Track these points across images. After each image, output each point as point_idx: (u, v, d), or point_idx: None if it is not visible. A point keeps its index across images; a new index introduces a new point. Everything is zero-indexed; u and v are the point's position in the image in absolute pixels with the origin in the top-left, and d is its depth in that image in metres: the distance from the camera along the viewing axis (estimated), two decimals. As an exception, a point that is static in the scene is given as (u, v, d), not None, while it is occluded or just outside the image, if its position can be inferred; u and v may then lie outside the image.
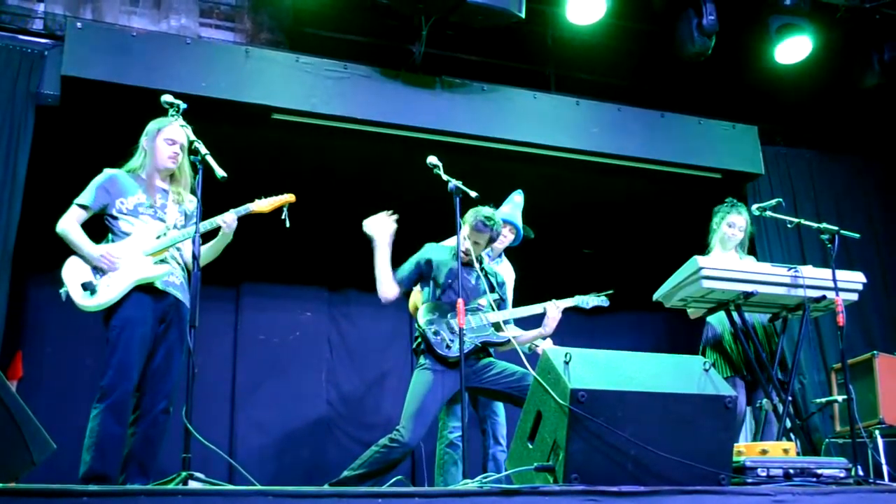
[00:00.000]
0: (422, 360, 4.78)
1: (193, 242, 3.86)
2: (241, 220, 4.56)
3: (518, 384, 4.68)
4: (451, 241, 5.49)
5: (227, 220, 4.45)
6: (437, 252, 5.03)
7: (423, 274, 4.96)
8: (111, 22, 6.10)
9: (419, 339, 4.82)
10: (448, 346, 4.71)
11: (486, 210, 4.97)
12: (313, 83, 6.20)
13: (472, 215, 4.95)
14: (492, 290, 5.02)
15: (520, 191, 5.82)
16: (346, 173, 6.87)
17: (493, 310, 4.97)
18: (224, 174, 3.83)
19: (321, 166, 6.76)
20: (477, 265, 4.93)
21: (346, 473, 4.56)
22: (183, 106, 4.07)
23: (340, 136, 6.35)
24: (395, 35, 6.69)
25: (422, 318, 4.79)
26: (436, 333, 4.72)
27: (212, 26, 6.56)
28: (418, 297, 5.33)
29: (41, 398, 5.97)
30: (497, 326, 4.95)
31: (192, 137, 3.94)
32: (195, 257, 3.79)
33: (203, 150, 3.88)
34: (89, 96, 5.73)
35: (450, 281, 4.87)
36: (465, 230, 4.95)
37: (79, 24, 5.73)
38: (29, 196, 5.56)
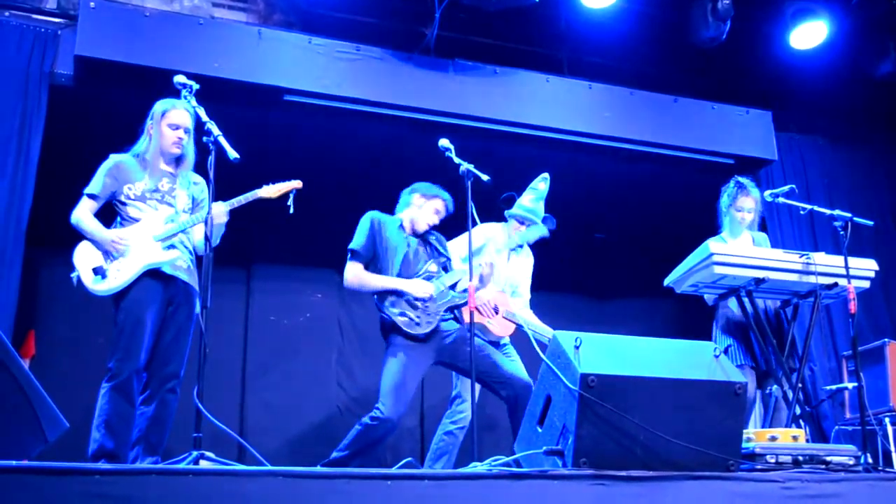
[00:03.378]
0: (390, 340, 4.77)
1: (206, 223, 3.87)
2: (250, 203, 4.57)
3: (491, 371, 4.71)
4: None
5: (216, 213, 4.28)
6: (381, 224, 4.97)
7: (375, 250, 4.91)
8: (124, 2, 6.09)
9: (383, 321, 4.79)
10: (417, 324, 4.71)
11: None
12: (326, 64, 6.20)
13: (432, 191, 5.04)
14: (438, 254, 5.04)
15: (546, 176, 5.64)
16: (358, 155, 6.87)
17: (444, 273, 4.98)
18: (237, 155, 3.83)
19: (333, 148, 6.76)
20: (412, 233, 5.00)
21: (335, 455, 4.61)
22: (196, 87, 4.06)
23: (352, 117, 6.35)
24: (408, 17, 6.67)
25: (384, 299, 4.77)
26: (401, 314, 4.70)
27: (224, 7, 6.55)
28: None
29: (54, 377, 5.98)
30: (453, 286, 4.95)
31: (205, 118, 3.93)
32: (207, 239, 3.79)
33: (216, 130, 3.88)
34: (102, 76, 5.73)
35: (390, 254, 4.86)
36: (419, 199, 5.04)
37: (92, 4, 5.72)
38: (42, 176, 5.58)
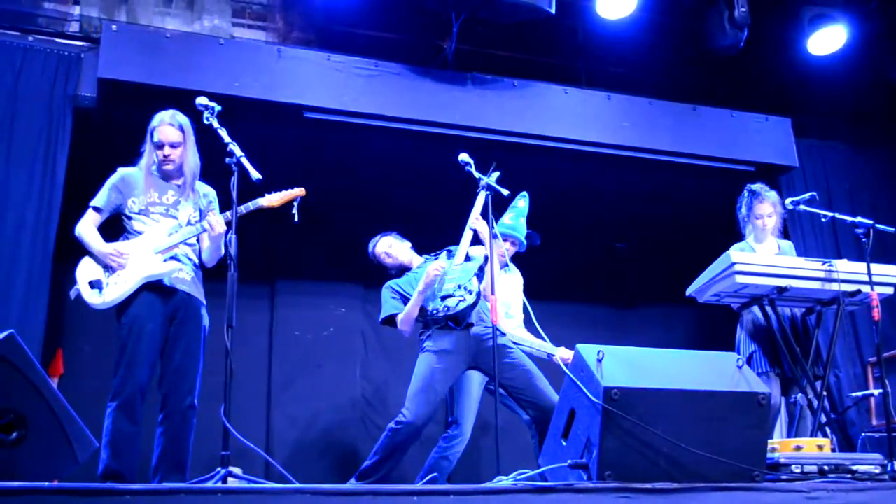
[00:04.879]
0: (424, 344, 4.83)
1: (228, 244, 3.88)
2: (268, 217, 4.58)
3: (524, 388, 4.70)
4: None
5: (214, 223, 4.39)
6: (397, 285, 5.04)
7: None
8: (145, 23, 6.17)
9: (428, 323, 4.87)
10: (462, 298, 4.72)
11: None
12: (345, 81, 6.25)
13: (386, 238, 5.24)
14: (436, 256, 5.08)
15: (524, 194, 5.63)
16: (378, 170, 6.91)
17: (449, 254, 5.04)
18: (259, 176, 3.85)
19: (353, 163, 6.80)
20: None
21: (365, 464, 4.66)
22: (218, 108, 4.09)
23: (372, 133, 6.39)
24: (426, 32, 6.72)
25: (423, 316, 4.85)
26: (445, 307, 4.73)
27: (244, 26, 6.62)
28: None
29: (81, 395, 6.04)
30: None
31: (227, 139, 3.96)
32: (232, 258, 3.80)
33: (238, 152, 3.90)
34: (125, 98, 5.80)
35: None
36: (390, 246, 5.21)
37: (114, 27, 5.81)
38: (68, 197, 5.64)
